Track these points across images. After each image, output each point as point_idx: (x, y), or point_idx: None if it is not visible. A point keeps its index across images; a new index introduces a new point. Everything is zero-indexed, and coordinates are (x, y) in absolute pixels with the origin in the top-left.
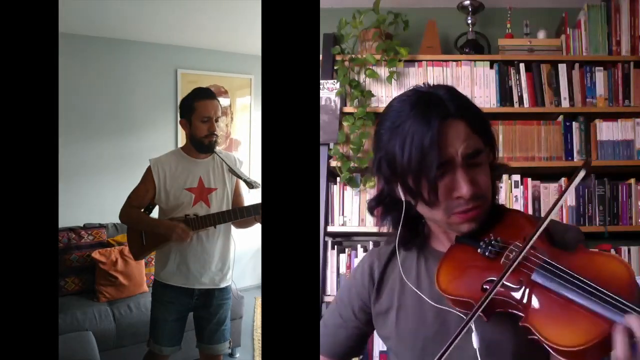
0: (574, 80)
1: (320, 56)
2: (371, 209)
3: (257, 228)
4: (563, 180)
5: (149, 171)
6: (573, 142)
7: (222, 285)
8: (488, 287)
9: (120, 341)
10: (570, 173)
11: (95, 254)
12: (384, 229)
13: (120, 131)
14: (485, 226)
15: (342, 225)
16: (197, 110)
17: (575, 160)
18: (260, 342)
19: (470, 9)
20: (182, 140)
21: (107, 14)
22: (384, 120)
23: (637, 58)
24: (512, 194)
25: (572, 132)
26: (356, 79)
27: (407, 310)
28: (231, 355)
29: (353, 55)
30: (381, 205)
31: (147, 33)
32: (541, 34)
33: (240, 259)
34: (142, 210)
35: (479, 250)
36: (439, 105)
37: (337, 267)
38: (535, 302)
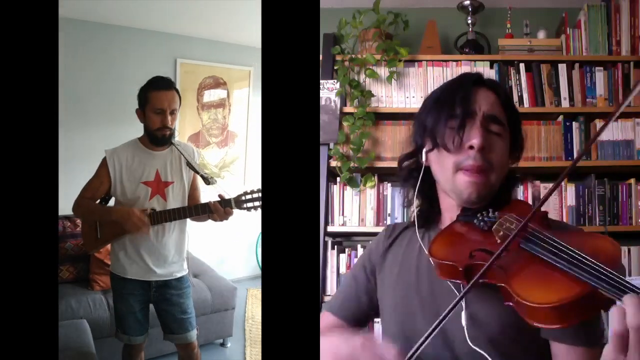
0: (574, 80)
1: (320, 56)
2: (400, 161)
3: (251, 220)
4: (563, 180)
5: (103, 163)
6: (573, 142)
7: (179, 275)
8: (476, 254)
9: (114, 329)
10: (570, 173)
11: None
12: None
13: (116, 119)
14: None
15: (342, 225)
16: (151, 101)
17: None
18: (251, 332)
19: (470, 9)
20: (179, 130)
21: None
22: (430, 95)
23: (637, 58)
24: None
25: (572, 132)
26: (356, 79)
27: (405, 280)
28: (222, 345)
29: (353, 55)
30: (407, 165)
31: (148, 21)
32: (541, 34)
33: (233, 251)
34: (97, 202)
35: (474, 222)
36: (475, 75)
37: (337, 267)
38: (518, 267)
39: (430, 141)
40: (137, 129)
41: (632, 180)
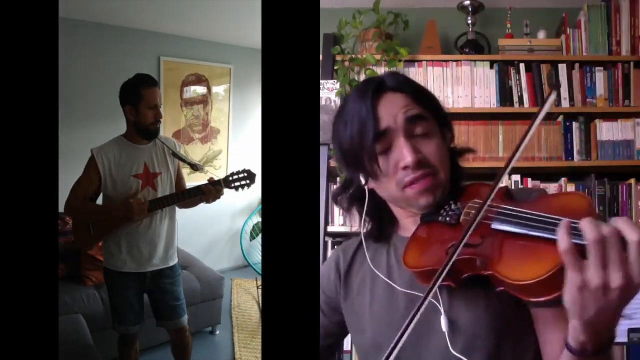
0: (574, 80)
1: (320, 56)
2: (335, 197)
3: (234, 213)
4: (563, 180)
5: (92, 161)
6: (573, 142)
7: (171, 264)
8: (450, 251)
9: (109, 322)
10: (570, 173)
11: None
12: (351, 222)
13: (102, 117)
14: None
15: (342, 225)
16: (145, 98)
17: (575, 160)
18: (237, 319)
19: (470, 9)
20: (163, 127)
21: None
22: (335, 122)
23: (637, 58)
24: None
25: (572, 132)
26: (356, 79)
27: (380, 300)
28: (211, 332)
29: (353, 55)
30: (346, 195)
31: (132, 19)
32: (541, 34)
33: (217, 242)
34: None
35: (439, 219)
36: (376, 82)
37: None
38: (498, 250)
39: (362, 174)
40: (122, 127)
41: (632, 180)
